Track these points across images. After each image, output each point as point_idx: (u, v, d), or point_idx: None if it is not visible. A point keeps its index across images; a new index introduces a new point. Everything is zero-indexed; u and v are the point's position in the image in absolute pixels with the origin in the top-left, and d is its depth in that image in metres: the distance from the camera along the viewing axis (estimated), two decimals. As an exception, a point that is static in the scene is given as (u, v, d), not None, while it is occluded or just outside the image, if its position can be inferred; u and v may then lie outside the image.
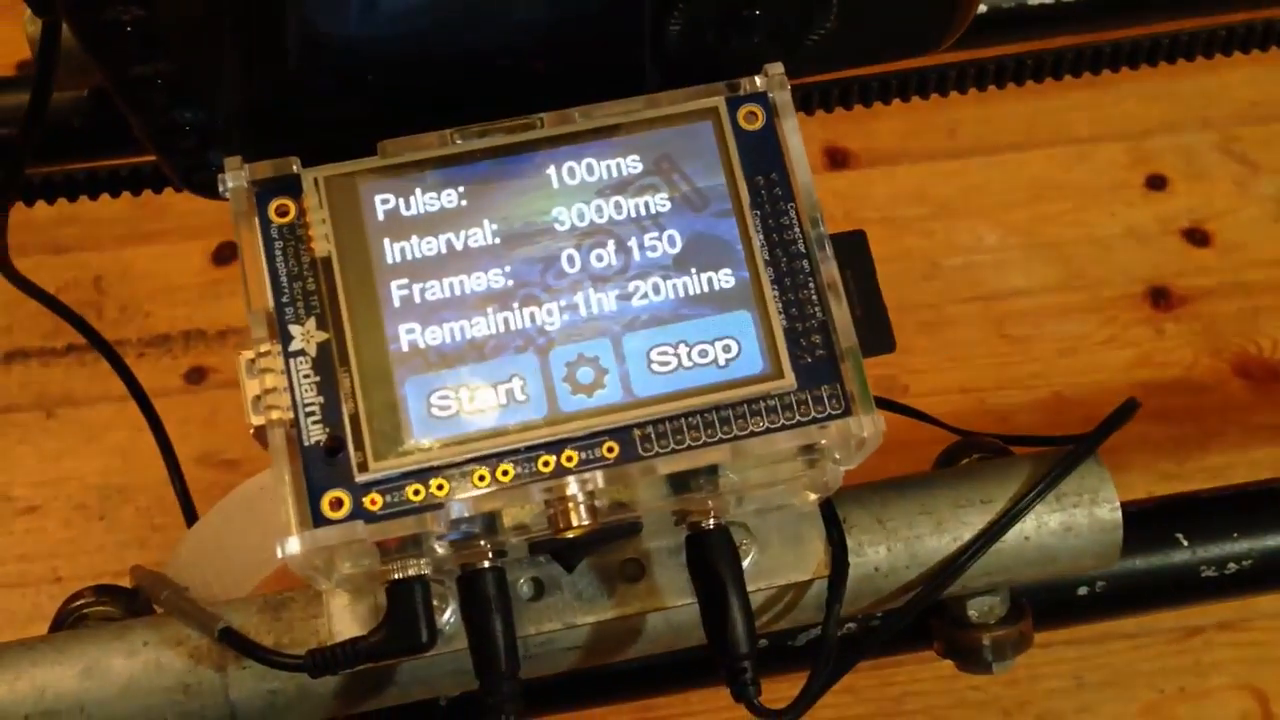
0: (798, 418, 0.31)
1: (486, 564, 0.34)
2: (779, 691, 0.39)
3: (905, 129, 0.96)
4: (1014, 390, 0.86)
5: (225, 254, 0.94)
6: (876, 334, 0.34)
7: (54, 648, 0.38)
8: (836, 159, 0.95)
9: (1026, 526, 0.40)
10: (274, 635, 0.38)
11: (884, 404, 0.45)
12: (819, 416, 0.31)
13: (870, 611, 0.40)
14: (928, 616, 0.42)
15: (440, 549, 0.33)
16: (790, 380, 0.31)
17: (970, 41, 0.59)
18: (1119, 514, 0.40)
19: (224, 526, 0.39)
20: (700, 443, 0.31)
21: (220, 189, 0.31)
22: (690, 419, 0.31)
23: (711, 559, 0.35)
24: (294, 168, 0.31)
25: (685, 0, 0.31)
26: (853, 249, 0.35)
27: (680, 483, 0.33)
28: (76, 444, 0.86)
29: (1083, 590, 0.44)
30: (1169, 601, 0.45)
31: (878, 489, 0.41)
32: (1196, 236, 0.91)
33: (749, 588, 0.38)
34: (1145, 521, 0.44)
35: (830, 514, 0.39)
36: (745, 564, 0.38)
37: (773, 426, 0.31)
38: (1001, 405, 0.86)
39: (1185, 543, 0.44)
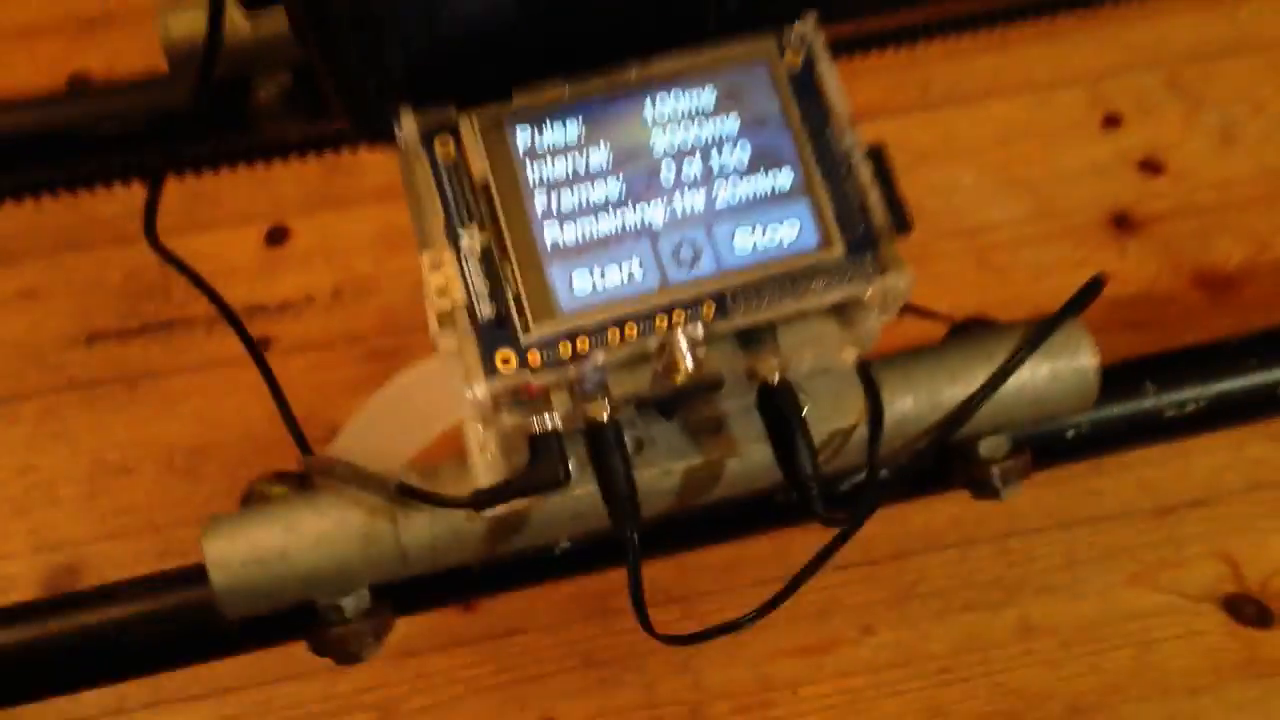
0: (849, 277, 0.41)
1: (605, 418, 0.44)
2: (826, 538, 0.48)
3: (884, 86, 1.06)
4: (998, 314, 0.95)
5: (277, 236, 1.03)
6: (899, 218, 0.44)
7: (257, 513, 0.48)
8: (824, 117, 1.05)
9: (1022, 376, 0.49)
10: (430, 484, 0.47)
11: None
12: (864, 275, 0.41)
13: (902, 450, 0.50)
14: (948, 458, 0.52)
15: (571, 403, 0.42)
16: (840, 250, 0.41)
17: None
18: (1096, 361, 0.50)
19: (384, 412, 0.49)
20: (775, 301, 0.40)
21: (396, 130, 0.41)
22: (767, 283, 0.41)
23: (779, 404, 0.45)
24: (452, 112, 0.41)
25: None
26: (876, 156, 0.45)
27: (751, 339, 0.42)
28: (159, 412, 0.95)
29: (1070, 433, 0.54)
30: (1140, 440, 0.55)
31: (903, 354, 0.51)
32: (1151, 166, 1.01)
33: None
34: (1120, 374, 0.54)
35: (866, 373, 0.48)
36: (804, 413, 0.48)
37: (830, 285, 0.41)
38: (987, 326, 0.95)
39: (1152, 389, 0.54)
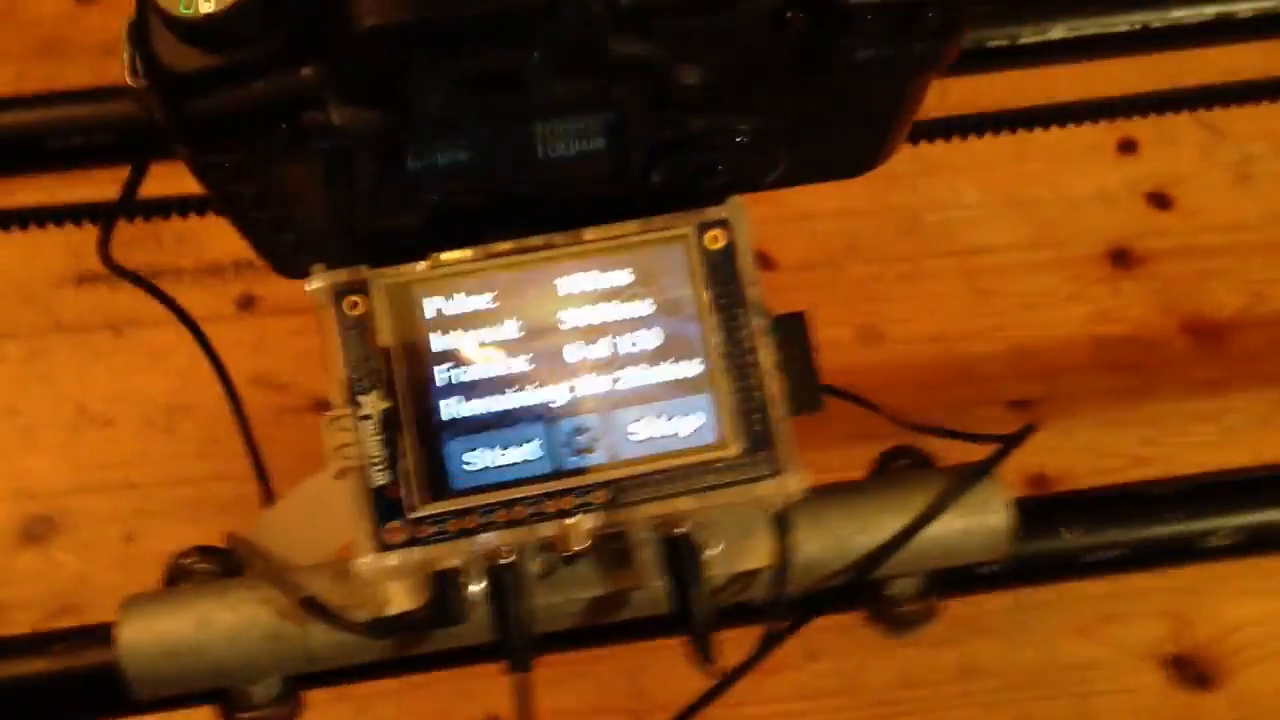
0: (741, 477, 0.41)
1: (507, 560, 0.45)
2: (745, 636, 0.50)
3: (899, 87, 1.04)
4: (979, 341, 0.95)
5: (273, 189, 1.03)
6: (807, 397, 0.44)
7: (172, 600, 0.49)
8: (834, 115, 1.03)
9: (933, 529, 0.50)
10: (342, 598, 0.49)
11: (840, 394, 0.55)
12: (756, 476, 0.41)
13: (808, 590, 0.51)
14: (857, 591, 0.53)
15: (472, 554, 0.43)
16: (735, 450, 0.41)
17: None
18: (1006, 522, 0.50)
19: (303, 506, 0.50)
20: (667, 495, 0.41)
21: (307, 288, 0.41)
22: (659, 476, 0.41)
23: (678, 561, 0.45)
24: (364, 273, 0.41)
25: (666, 160, 0.40)
26: (793, 327, 0.45)
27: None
28: (144, 363, 0.97)
29: (984, 570, 0.55)
30: (1055, 579, 0.56)
31: (818, 495, 0.51)
32: (1160, 200, 1.00)
33: (713, 571, 0.49)
34: (1039, 517, 0.55)
35: (779, 517, 0.49)
36: (709, 553, 0.48)
37: (721, 483, 0.41)
38: (967, 354, 0.95)
39: (1067, 534, 0.55)
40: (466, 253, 0.42)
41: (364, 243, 0.41)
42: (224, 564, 0.53)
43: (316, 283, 0.41)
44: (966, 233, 0.99)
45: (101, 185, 0.77)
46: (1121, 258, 0.97)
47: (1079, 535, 0.55)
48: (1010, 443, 0.52)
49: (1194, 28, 0.69)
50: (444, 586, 0.44)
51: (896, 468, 0.54)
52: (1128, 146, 1.02)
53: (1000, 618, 0.87)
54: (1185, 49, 0.71)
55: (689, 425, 0.41)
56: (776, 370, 0.42)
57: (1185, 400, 0.92)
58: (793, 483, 0.41)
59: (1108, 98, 0.69)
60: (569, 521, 0.41)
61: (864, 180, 1.01)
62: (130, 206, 0.62)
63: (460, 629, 0.48)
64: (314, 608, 0.47)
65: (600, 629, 0.53)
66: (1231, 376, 0.90)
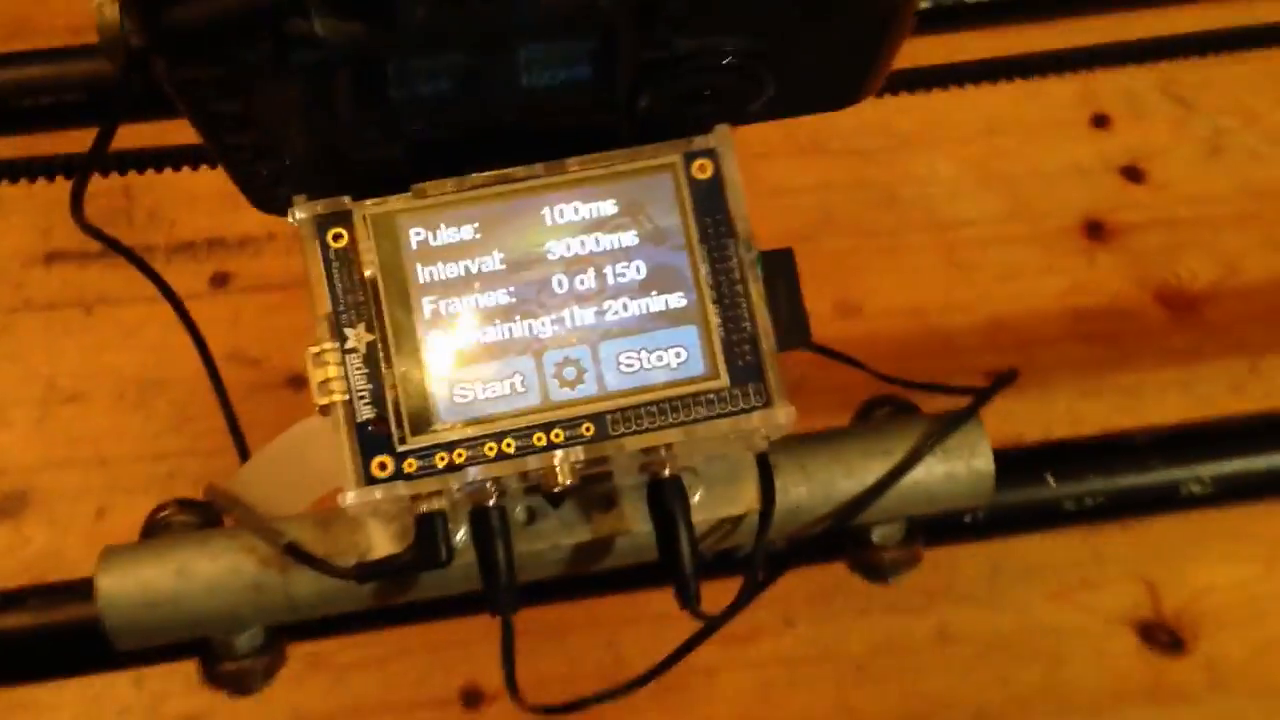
0: (730, 409, 0.41)
1: (492, 503, 0.44)
2: (725, 588, 0.50)
3: (873, 62, 1.04)
4: (957, 313, 0.96)
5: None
6: (796, 332, 0.44)
7: (152, 550, 0.48)
8: (809, 90, 1.03)
9: (917, 474, 0.50)
10: (324, 546, 0.48)
11: (823, 350, 0.55)
12: (746, 408, 0.41)
13: (793, 535, 0.51)
14: (840, 537, 0.53)
15: (457, 493, 0.43)
16: (724, 380, 0.41)
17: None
18: (991, 465, 0.50)
19: (282, 458, 0.49)
20: (655, 426, 0.41)
21: (290, 219, 0.41)
22: (647, 408, 0.41)
23: (666, 502, 0.45)
24: (347, 204, 0.41)
25: (652, 85, 0.40)
26: (781, 263, 0.44)
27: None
28: (115, 339, 0.96)
29: (967, 519, 0.55)
30: (1037, 528, 0.56)
31: (802, 440, 0.51)
32: (1133, 173, 1.00)
33: (696, 518, 0.48)
34: (1021, 464, 0.55)
35: (763, 461, 0.49)
36: (694, 500, 0.48)
37: (710, 415, 0.41)
38: (945, 326, 0.96)
39: (1052, 482, 0.55)
40: (449, 183, 0.41)
41: (346, 174, 0.41)
42: (203, 516, 0.52)
43: (300, 213, 0.41)
44: (942, 207, 0.99)
45: (72, 146, 0.76)
46: (1096, 230, 0.98)
47: (1062, 485, 0.55)
48: (995, 386, 0.52)
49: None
50: (429, 528, 0.44)
51: (880, 414, 0.54)
52: (1100, 121, 1.02)
53: (977, 584, 0.87)
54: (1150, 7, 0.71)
55: (676, 357, 0.41)
56: (765, 303, 0.42)
57: (1159, 370, 0.93)
58: (782, 415, 0.41)
59: (1072, 48, 0.69)
60: (557, 455, 0.40)
61: (838, 156, 1.02)
62: (104, 159, 0.61)
63: (445, 576, 0.48)
64: (297, 554, 0.46)
65: (584, 579, 0.53)
66: (1204, 345, 0.91)
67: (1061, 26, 0.99)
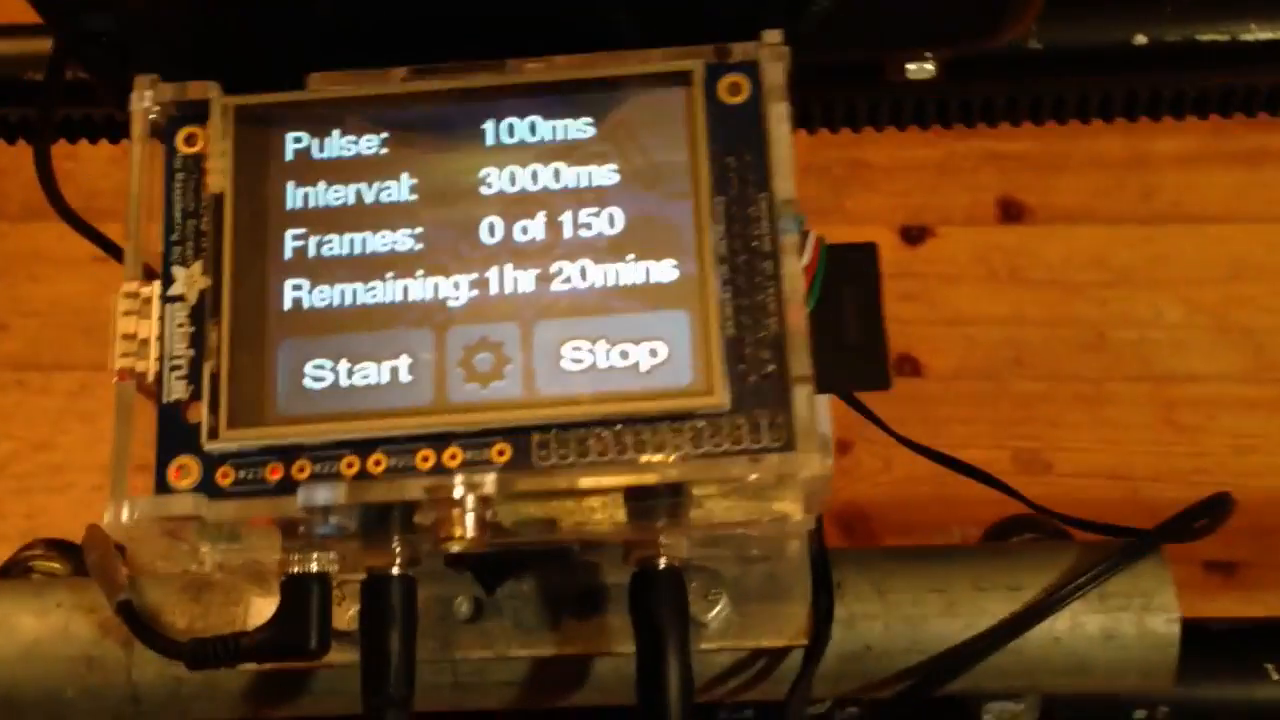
0: (726, 445, 0.26)
1: (395, 570, 0.30)
2: None
3: (1093, 187, 0.88)
4: (1174, 484, 0.76)
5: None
6: (870, 365, 0.29)
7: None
8: (1010, 212, 0.88)
9: (1058, 625, 0.33)
10: (188, 617, 0.35)
11: (931, 454, 0.39)
12: (753, 447, 0.26)
13: (858, 696, 0.34)
14: (931, 707, 0.36)
15: (343, 545, 0.29)
16: (721, 399, 0.26)
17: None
18: (1176, 627, 0.33)
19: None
20: (604, 460, 0.26)
21: (129, 107, 0.28)
22: (597, 429, 0.26)
23: (650, 607, 0.30)
24: (209, 92, 0.28)
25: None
26: (859, 263, 0.29)
27: (637, 506, 0.28)
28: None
29: (1140, 715, 0.37)
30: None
31: (887, 554, 0.35)
32: None
33: (713, 645, 0.33)
34: (1228, 643, 0.37)
35: (821, 573, 0.33)
36: (711, 616, 0.33)
37: (694, 452, 0.26)
38: (1157, 499, 0.76)
39: (1277, 676, 0.36)
40: (354, 76, 0.28)
41: (218, 56, 0.28)
42: (76, 565, 0.39)
43: (142, 100, 0.28)
44: (1164, 356, 0.81)
45: None
46: (1364, 402, 0.78)
47: (1290, 680, 0.36)
48: (1200, 512, 0.35)
49: None
50: (297, 598, 0.29)
51: (1018, 539, 0.37)
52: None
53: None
54: None
55: (652, 356, 0.26)
56: (805, 297, 0.27)
57: None
58: (812, 463, 0.25)
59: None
60: (452, 484, 0.26)
61: (1038, 286, 0.85)
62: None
63: (341, 677, 0.34)
64: (128, 613, 0.32)
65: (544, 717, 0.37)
66: None
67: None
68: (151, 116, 0.28)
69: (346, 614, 0.32)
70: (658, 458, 0.25)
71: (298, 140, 0.28)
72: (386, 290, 0.27)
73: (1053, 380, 0.80)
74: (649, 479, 0.25)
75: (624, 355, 0.26)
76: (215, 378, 0.26)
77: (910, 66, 0.44)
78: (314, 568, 0.29)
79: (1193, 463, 0.77)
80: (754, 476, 0.25)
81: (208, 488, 0.26)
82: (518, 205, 0.27)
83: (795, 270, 0.26)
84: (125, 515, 0.25)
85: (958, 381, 0.81)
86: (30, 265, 0.88)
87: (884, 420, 0.38)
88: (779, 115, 0.27)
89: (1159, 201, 0.88)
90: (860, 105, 0.48)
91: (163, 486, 0.26)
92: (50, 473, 0.84)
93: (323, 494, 0.26)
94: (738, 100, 0.28)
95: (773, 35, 0.28)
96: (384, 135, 0.28)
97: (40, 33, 0.49)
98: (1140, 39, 0.49)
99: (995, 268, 0.85)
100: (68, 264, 0.86)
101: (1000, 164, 0.87)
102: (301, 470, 0.26)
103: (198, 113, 0.28)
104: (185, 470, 0.26)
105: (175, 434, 0.26)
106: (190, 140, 0.28)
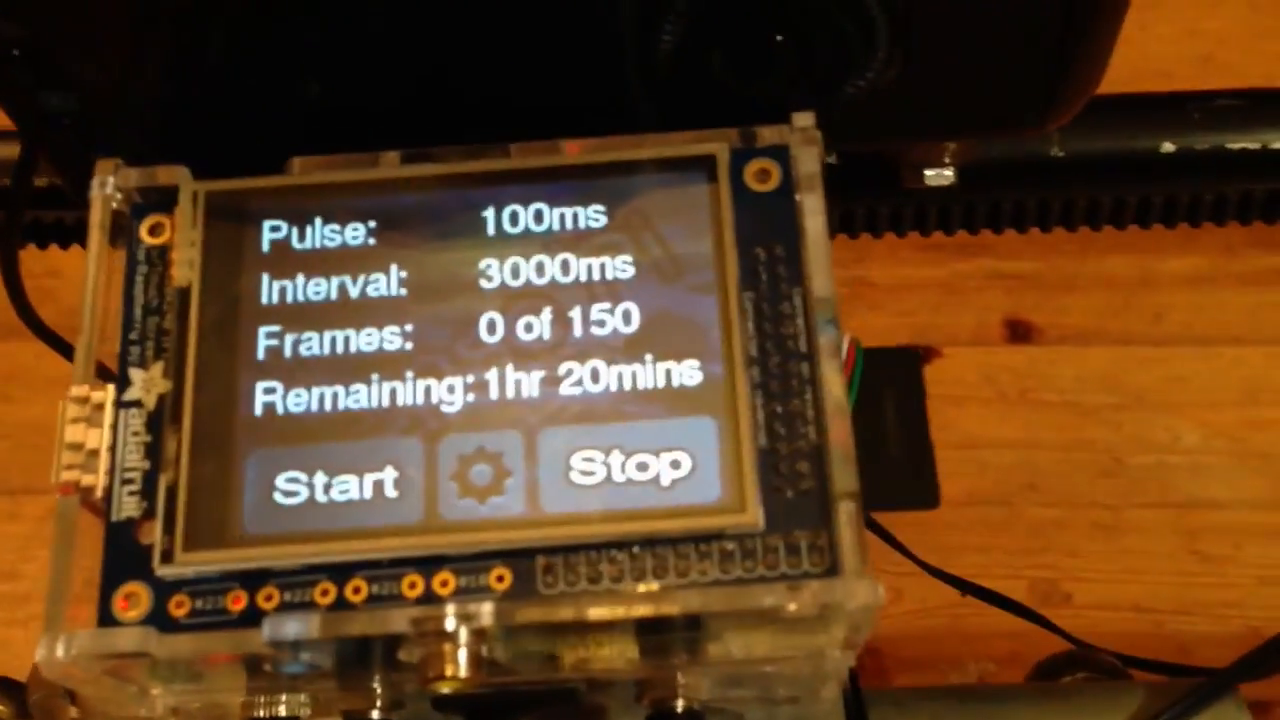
0: (760, 570, 0.22)
1: (376, 715, 0.26)
2: None
3: (1102, 307, 0.85)
4: (1201, 617, 0.73)
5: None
6: (917, 481, 0.25)
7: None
8: (1018, 332, 0.85)
9: (1126, 780, 0.29)
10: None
11: (963, 585, 0.36)
12: (792, 572, 0.22)
13: None
14: None
15: (316, 685, 0.25)
16: (754, 516, 0.22)
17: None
18: (1259, 780, 0.29)
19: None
20: (620, 586, 0.22)
21: (89, 192, 0.25)
22: (610, 552, 0.22)
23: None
24: (178, 177, 0.25)
25: (676, 11, 0.23)
26: (901, 368, 0.26)
27: (653, 640, 0.24)
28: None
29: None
30: None
31: (927, 695, 0.31)
32: None
33: (733, 802, 0.29)
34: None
35: (857, 718, 0.29)
36: (731, 767, 0.29)
37: (724, 578, 0.22)
38: (1183, 633, 0.72)
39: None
40: (339, 159, 0.25)
41: (189, 137, 0.26)
42: (18, 707, 0.35)
43: (104, 186, 0.25)
44: (1184, 482, 0.78)
45: None
46: (1394, 531, 0.74)
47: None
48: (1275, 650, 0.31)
49: None
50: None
51: (1071, 679, 0.33)
52: (1399, 396, 0.80)
53: None
54: None
55: (674, 468, 0.23)
56: (847, 404, 0.24)
57: None
58: (860, 592, 0.22)
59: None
60: (443, 614, 0.22)
61: (1051, 409, 0.82)
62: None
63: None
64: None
65: None
66: None
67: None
68: (114, 205, 0.25)
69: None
70: (682, 584, 0.22)
71: (275, 229, 0.25)
72: (371, 394, 0.24)
73: (1069, 507, 0.77)
74: (672, 610, 0.22)
75: (641, 468, 0.23)
76: (172, 492, 0.23)
77: (929, 173, 0.42)
78: (282, 711, 0.26)
79: (1220, 595, 0.73)
80: (793, 606, 0.22)
81: (159, 619, 0.23)
82: (521, 300, 0.24)
83: (836, 374, 0.23)
84: (61, 652, 0.22)
85: (970, 508, 0.77)
86: (4, 385, 0.85)
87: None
88: (814, 207, 0.25)
89: (1170, 323, 0.86)
90: (879, 213, 0.45)
91: (106, 618, 0.23)
92: (13, 604, 0.80)
93: (293, 626, 0.22)
94: (767, 188, 0.25)
95: (803, 119, 0.25)
96: (372, 224, 0.25)
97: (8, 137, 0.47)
98: (1168, 147, 0.46)
99: (1004, 389, 0.82)
100: (43, 384, 0.83)
101: (1005, 283, 0.85)
102: (269, 599, 0.23)
103: (164, 200, 0.25)
104: (134, 599, 0.23)
105: (124, 557, 0.23)
106: (155, 230, 0.25)
